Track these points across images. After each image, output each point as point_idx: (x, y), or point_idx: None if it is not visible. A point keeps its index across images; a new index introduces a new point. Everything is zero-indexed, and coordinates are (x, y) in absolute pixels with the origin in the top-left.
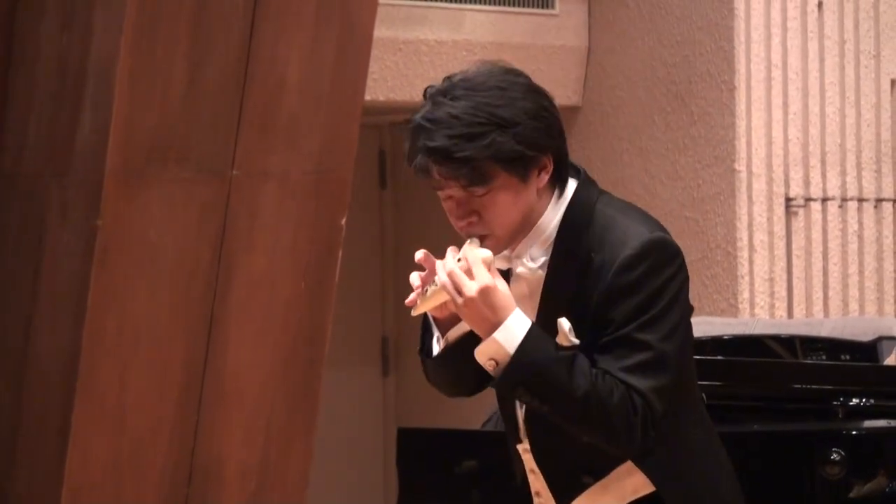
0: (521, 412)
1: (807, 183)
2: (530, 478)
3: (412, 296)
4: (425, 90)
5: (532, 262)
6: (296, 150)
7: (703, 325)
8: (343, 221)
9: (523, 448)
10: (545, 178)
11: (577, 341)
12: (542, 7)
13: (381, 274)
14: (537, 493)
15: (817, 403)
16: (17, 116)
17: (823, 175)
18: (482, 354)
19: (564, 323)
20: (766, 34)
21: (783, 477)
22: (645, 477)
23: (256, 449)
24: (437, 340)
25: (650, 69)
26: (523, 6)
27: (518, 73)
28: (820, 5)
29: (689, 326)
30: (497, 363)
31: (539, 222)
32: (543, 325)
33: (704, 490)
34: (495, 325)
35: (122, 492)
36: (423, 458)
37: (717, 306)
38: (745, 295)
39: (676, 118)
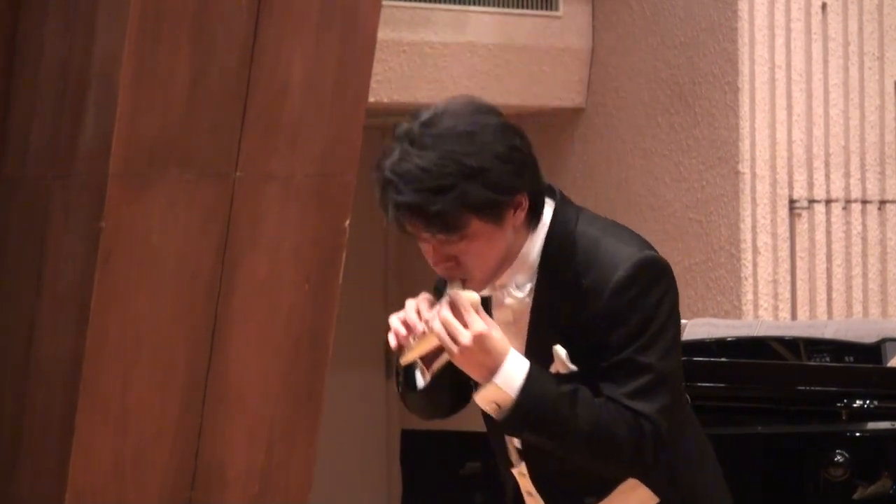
0: (515, 441)
1: (810, 185)
2: (528, 500)
3: (393, 341)
4: (393, 128)
5: (518, 290)
6: (299, 152)
7: (707, 327)
8: (346, 224)
9: (519, 472)
10: (521, 215)
11: (574, 368)
12: (546, 8)
13: (384, 276)
14: None
15: (821, 405)
16: (20, 119)
17: (827, 177)
18: (483, 399)
19: (560, 350)
20: (769, 35)
21: (787, 479)
22: (648, 490)
23: (259, 451)
24: (422, 373)
25: (653, 70)
26: (527, 8)
27: (488, 112)
28: (824, 7)
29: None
30: (499, 406)
31: (520, 254)
32: (533, 352)
33: (698, 491)
34: (493, 371)
35: (125, 494)
36: (427, 459)
37: (721, 308)
38: (749, 297)
39: (680, 120)
